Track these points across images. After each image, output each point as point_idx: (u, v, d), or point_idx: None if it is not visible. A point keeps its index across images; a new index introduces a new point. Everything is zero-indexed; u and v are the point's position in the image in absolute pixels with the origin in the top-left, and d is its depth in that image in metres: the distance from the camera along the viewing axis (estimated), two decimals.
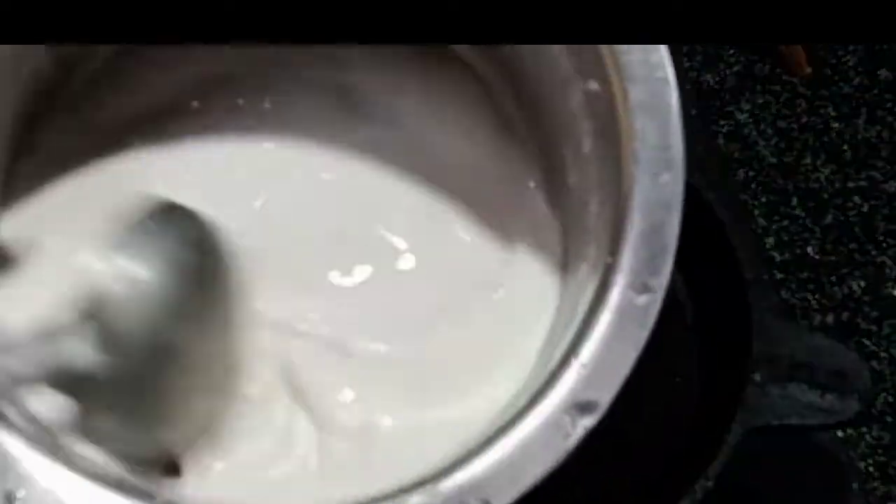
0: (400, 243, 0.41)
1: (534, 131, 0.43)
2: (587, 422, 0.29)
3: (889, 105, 0.59)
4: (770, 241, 0.55)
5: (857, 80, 0.59)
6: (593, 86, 0.34)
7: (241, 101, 0.43)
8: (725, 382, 0.44)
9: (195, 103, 0.42)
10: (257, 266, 0.39)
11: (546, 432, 0.29)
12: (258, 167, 0.42)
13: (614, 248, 0.31)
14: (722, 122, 0.58)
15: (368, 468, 0.35)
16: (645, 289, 0.30)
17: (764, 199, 0.56)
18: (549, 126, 0.40)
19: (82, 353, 0.31)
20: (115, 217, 0.35)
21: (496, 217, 0.41)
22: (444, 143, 0.42)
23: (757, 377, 0.42)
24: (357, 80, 0.43)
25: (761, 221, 0.56)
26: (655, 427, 0.46)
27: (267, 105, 0.43)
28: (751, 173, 0.57)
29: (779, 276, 0.54)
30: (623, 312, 0.30)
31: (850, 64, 0.60)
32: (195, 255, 0.36)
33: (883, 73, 0.60)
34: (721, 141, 0.57)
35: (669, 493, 0.42)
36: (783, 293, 0.54)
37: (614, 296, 0.30)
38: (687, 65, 0.59)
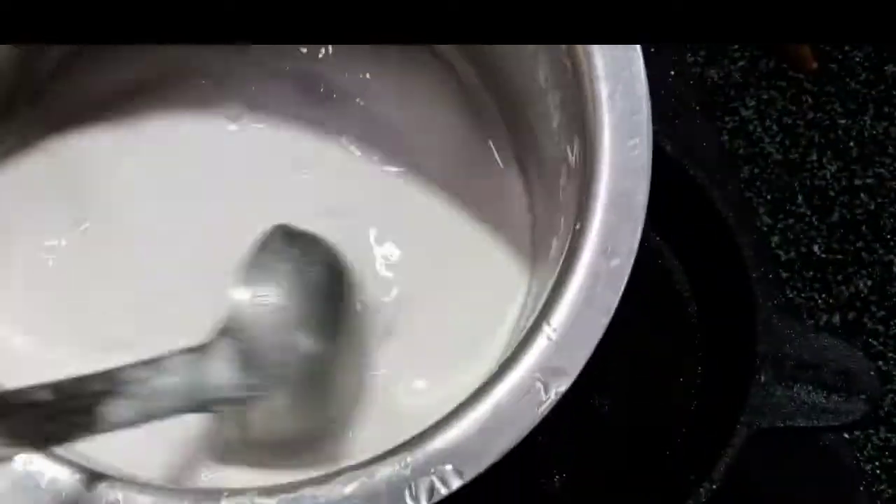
0: (372, 230, 0.41)
1: (503, 110, 0.43)
2: (559, 388, 0.29)
3: None
4: (775, 239, 0.55)
5: (863, 76, 0.59)
6: (559, 57, 0.34)
7: (205, 89, 0.43)
8: (730, 383, 0.44)
9: (157, 91, 0.43)
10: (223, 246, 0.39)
11: (518, 399, 0.29)
12: (223, 153, 0.42)
13: (582, 214, 0.31)
14: (726, 119, 0.57)
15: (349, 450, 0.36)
16: (615, 253, 0.30)
17: (769, 197, 0.56)
18: (518, 104, 0.40)
19: (227, 374, 0.32)
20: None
21: (465, 197, 0.41)
22: (411, 125, 0.43)
23: (762, 378, 0.42)
24: (324, 67, 0.44)
25: (766, 219, 0.55)
26: (659, 428, 0.46)
27: (233, 95, 0.43)
28: (755, 170, 0.56)
29: (784, 274, 0.54)
30: (593, 278, 0.30)
31: (857, 59, 0.59)
32: (320, 275, 0.36)
33: (890, 68, 0.59)
34: (725, 137, 0.57)
35: (673, 495, 0.42)
36: (788, 292, 0.54)
37: (583, 261, 0.30)
38: (691, 59, 0.58)
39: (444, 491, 0.27)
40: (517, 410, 0.29)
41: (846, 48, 0.59)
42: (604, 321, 0.30)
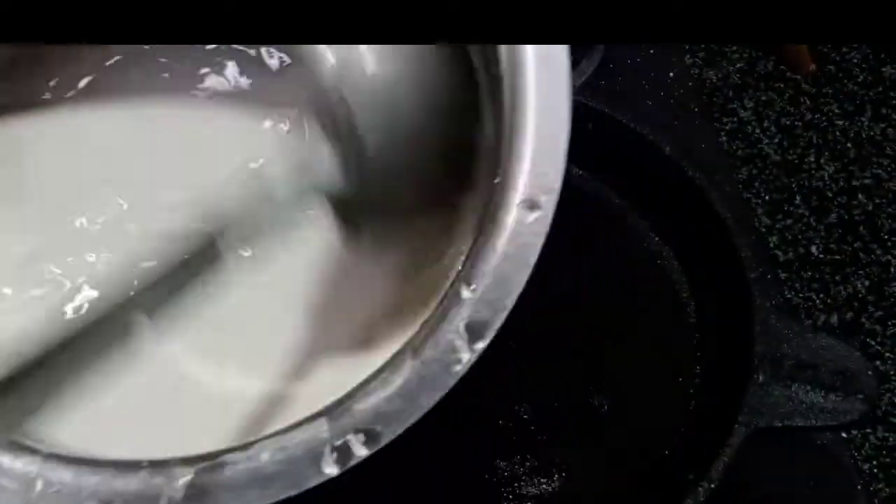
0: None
1: None
2: (479, 345, 0.29)
3: (894, 102, 0.59)
4: (774, 239, 0.55)
5: (861, 78, 0.59)
6: None
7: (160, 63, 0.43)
8: (728, 383, 0.44)
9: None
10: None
11: (437, 359, 0.29)
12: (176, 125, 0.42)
13: (501, 166, 0.31)
14: (725, 120, 0.58)
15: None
16: (534, 206, 0.30)
17: (767, 198, 0.56)
18: None
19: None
20: None
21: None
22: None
23: (760, 377, 0.42)
24: None
25: (765, 220, 0.55)
26: (658, 427, 0.46)
27: (189, 68, 0.42)
28: (754, 171, 0.57)
29: (782, 275, 0.54)
30: (513, 232, 0.30)
31: (855, 61, 0.59)
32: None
33: (887, 70, 0.59)
34: (724, 139, 0.57)
35: (672, 494, 0.42)
36: (787, 292, 0.54)
37: (502, 215, 0.30)
38: (689, 61, 0.58)
39: (361, 453, 0.28)
40: (437, 370, 0.29)
41: (844, 50, 0.59)
42: (523, 276, 0.29)
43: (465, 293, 0.29)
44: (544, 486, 0.45)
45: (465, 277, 0.29)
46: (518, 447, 0.45)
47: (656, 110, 0.55)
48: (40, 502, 0.27)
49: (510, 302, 0.29)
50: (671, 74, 0.57)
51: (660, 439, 0.46)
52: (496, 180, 0.31)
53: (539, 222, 0.30)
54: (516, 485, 0.44)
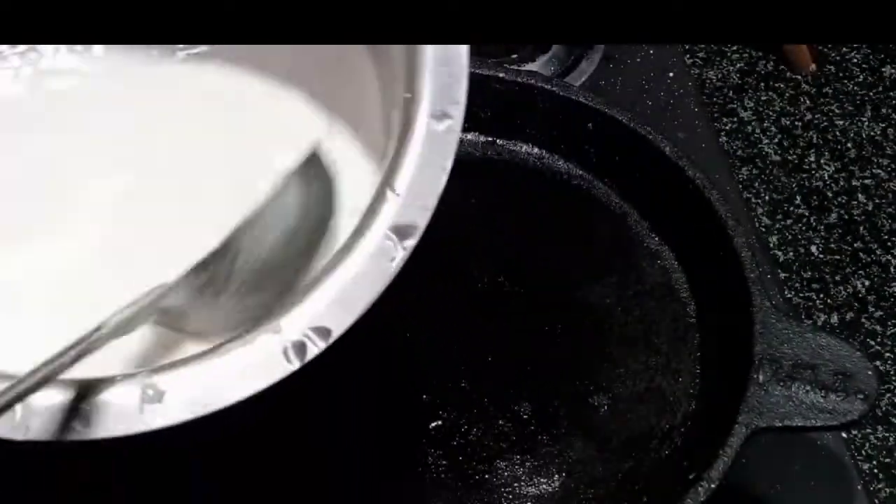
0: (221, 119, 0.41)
1: None
2: (408, 243, 0.32)
3: (894, 102, 0.59)
4: (773, 239, 0.55)
5: (861, 78, 0.59)
6: None
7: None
8: (728, 383, 0.44)
9: None
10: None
11: (372, 259, 0.32)
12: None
13: (410, 83, 0.34)
14: (725, 120, 0.58)
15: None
16: (444, 116, 0.33)
17: (767, 198, 0.56)
18: None
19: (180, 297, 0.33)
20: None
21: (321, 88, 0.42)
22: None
23: (760, 377, 0.42)
24: None
25: (764, 220, 0.55)
26: (658, 427, 0.46)
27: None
28: (754, 171, 0.57)
29: (782, 275, 0.54)
30: (428, 140, 0.33)
31: (855, 61, 0.59)
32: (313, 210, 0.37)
33: (888, 70, 0.59)
34: (724, 139, 0.57)
35: (672, 494, 0.42)
36: (787, 292, 0.54)
37: (417, 126, 0.33)
38: (689, 61, 0.58)
39: (315, 350, 0.30)
40: (373, 268, 0.31)
41: (844, 50, 0.59)
42: (441, 179, 0.32)
43: (390, 196, 0.32)
44: (544, 486, 0.45)
45: (389, 182, 0.32)
46: (518, 447, 0.45)
47: (656, 110, 0.55)
48: (27, 422, 0.29)
49: (431, 203, 0.32)
50: (671, 74, 0.57)
51: (660, 439, 0.46)
52: (407, 95, 0.34)
53: (450, 130, 0.33)
54: (516, 485, 0.44)
